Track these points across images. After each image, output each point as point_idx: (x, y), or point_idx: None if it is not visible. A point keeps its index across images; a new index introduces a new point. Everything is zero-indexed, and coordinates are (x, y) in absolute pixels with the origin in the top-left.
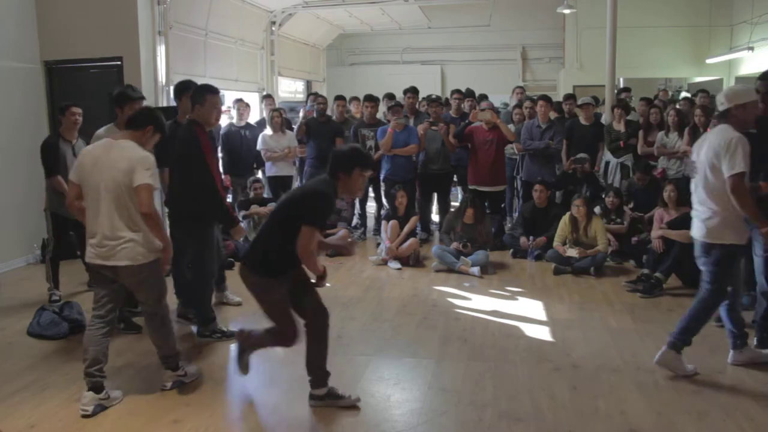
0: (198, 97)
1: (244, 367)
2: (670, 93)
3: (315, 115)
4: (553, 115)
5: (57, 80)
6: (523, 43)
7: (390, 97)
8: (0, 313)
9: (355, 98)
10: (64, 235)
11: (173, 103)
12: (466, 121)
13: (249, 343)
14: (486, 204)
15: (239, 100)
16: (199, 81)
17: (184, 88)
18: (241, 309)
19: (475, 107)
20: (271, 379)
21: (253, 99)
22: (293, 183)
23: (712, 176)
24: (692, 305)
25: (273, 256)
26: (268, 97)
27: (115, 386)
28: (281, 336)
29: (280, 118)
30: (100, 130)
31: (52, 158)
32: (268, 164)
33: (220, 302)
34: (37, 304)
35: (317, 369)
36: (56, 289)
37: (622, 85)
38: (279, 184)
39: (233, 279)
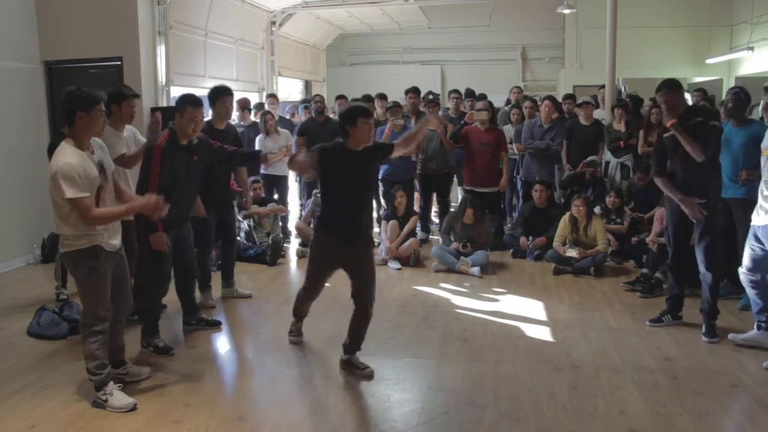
0: (180, 106)
1: None
2: None
3: (313, 114)
4: (554, 115)
5: (57, 80)
6: (523, 43)
7: (381, 97)
8: (0, 313)
9: (343, 98)
10: None
11: (173, 104)
12: (462, 122)
13: None
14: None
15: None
16: (199, 81)
17: (219, 93)
18: (252, 301)
19: (473, 107)
20: (271, 379)
21: (252, 99)
22: (287, 183)
23: None
24: None
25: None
26: (271, 97)
27: (114, 387)
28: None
29: (273, 120)
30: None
31: None
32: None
33: (231, 297)
34: (37, 304)
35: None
36: (64, 287)
37: (621, 85)
38: (272, 183)
39: (242, 276)
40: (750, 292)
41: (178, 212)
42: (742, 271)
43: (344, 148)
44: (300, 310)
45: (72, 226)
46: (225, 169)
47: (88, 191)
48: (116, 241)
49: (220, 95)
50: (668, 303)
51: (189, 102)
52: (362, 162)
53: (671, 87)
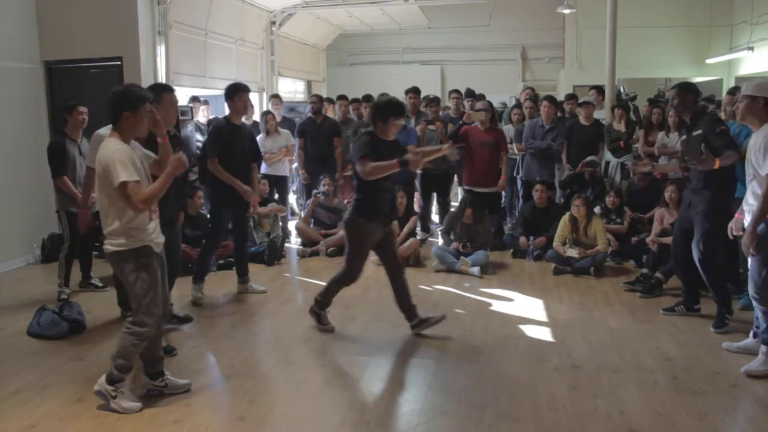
0: (155, 95)
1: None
2: None
3: (311, 114)
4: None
5: (57, 80)
6: (523, 43)
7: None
8: (0, 313)
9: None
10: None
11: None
12: (461, 122)
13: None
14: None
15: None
16: (199, 81)
17: (236, 90)
18: (253, 301)
19: (473, 107)
20: (271, 379)
21: (252, 99)
22: (288, 183)
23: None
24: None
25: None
26: (275, 97)
27: (126, 387)
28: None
29: (274, 120)
30: (101, 130)
31: (59, 159)
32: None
33: (246, 293)
34: (37, 304)
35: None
36: (66, 287)
37: (620, 86)
38: (272, 182)
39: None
40: (761, 315)
41: (168, 209)
42: (752, 296)
43: (378, 139)
44: (330, 299)
45: (127, 223)
46: (246, 165)
47: (137, 177)
48: (161, 240)
49: (239, 91)
50: (683, 295)
51: (164, 89)
52: (393, 150)
53: (682, 89)
